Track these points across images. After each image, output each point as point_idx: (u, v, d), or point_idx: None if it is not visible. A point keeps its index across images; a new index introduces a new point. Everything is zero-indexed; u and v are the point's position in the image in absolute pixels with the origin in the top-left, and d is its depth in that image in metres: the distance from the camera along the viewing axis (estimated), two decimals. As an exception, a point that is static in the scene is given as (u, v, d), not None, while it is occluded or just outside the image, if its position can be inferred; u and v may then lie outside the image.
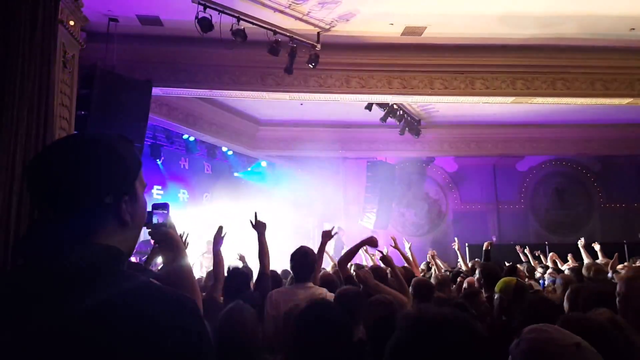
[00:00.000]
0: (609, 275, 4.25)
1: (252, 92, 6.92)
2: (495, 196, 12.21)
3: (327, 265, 5.48)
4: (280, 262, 5.74)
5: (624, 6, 5.47)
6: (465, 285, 3.77)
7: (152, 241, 1.68)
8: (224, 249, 3.20)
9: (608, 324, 1.54)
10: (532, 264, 6.58)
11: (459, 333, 0.98)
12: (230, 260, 4.05)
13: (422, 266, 6.15)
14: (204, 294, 3.03)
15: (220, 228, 3.19)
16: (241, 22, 5.36)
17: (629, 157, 11.41)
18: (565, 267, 5.93)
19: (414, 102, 8.55)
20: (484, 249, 5.51)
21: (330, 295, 2.67)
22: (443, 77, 6.91)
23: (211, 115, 8.99)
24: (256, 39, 5.51)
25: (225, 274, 3.16)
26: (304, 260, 2.92)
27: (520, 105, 7.80)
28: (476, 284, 3.47)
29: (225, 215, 9.83)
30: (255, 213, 3.21)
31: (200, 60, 6.41)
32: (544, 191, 12.41)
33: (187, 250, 1.58)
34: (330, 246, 9.02)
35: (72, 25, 4.47)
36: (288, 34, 5.77)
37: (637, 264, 5.51)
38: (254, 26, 5.51)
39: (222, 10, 5.17)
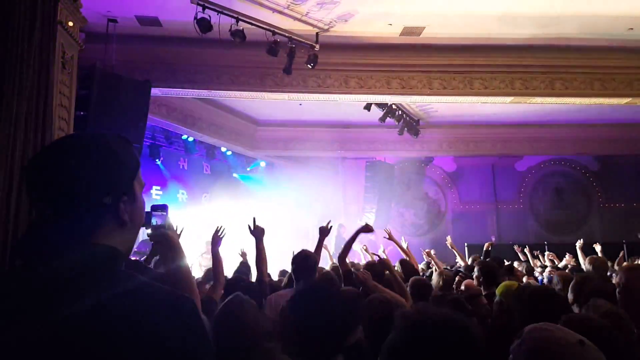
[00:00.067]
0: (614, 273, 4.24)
1: (251, 93, 6.92)
2: (494, 196, 12.22)
3: (326, 265, 5.48)
4: (279, 263, 5.75)
5: (622, 6, 5.48)
6: (462, 287, 3.75)
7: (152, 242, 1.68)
8: (224, 249, 3.20)
9: (609, 325, 1.55)
10: (531, 262, 6.60)
11: (456, 335, 0.98)
12: (230, 259, 4.05)
13: (422, 265, 6.16)
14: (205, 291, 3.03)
15: (218, 228, 3.19)
16: (240, 22, 5.36)
17: (628, 156, 11.42)
18: (563, 263, 5.94)
19: (413, 102, 8.55)
20: (484, 249, 5.53)
21: None
22: (442, 77, 6.92)
23: (210, 116, 8.99)
24: (255, 40, 5.52)
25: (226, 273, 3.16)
26: (305, 264, 2.92)
27: (519, 105, 7.81)
28: (475, 282, 3.47)
29: (224, 215, 9.84)
30: (254, 218, 3.20)
31: (199, 61, 6.42)
32: (543, 191, 12.42)
33: (186, 251, 1.58)
34: (331, 244, 9.03)
35: (71, 26, 4.46)
36: (287, 35, 5.77)
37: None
38: (253, 27, 5.51)
39: (221, 10, 5.18)
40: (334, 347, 1.48)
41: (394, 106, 8.49)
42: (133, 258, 6.02)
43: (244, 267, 4.36)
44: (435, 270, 5.19)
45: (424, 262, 6.40)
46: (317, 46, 5.96)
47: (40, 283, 0.77)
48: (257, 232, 3.12)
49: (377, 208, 10.82)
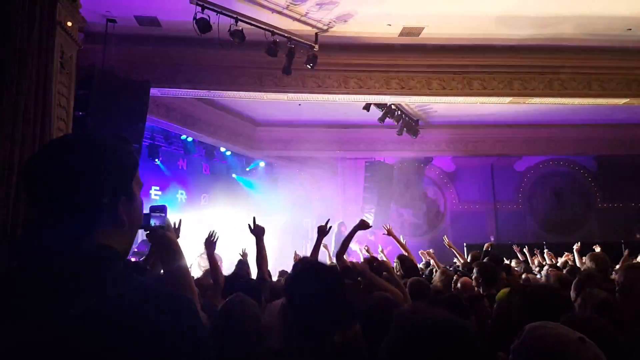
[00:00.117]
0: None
1: (250, 93, 6.92)
2: (493, 196, 12.23)
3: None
4: (279, 263, 5.75)
5: (621, 7, 5.49)
6: (459, 285, 3.75)
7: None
8: (225, 250, 3.20)
9: (609, 324, 1.55)
10: (529, 260, 6.61)
11: (452, 336, 0.99)
12: (231, 259, 4.05)
13: (421, 265, 6.16)
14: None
15: (211, 233, 3.19)
16: (239, 22, 5.36)
17: (627, 156, 11.44)
18: (562, 260, 5.94)
19: (412, 103, 8.56)
20: (484, 250, 5.54)
21: None
22: (441, 78, 6.92)
23: (209, 116, 8.99)
24: (254, 40, 5.52)
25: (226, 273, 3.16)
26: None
27: (518, 105, 7.82)
28: (474, 283, 3.47)
29: (223, 215, 9.83)
30: (254, 217, 3.20)
31: (198, 61, 6.42)
32: (541, 191, 12.44)
33: (185, 251, 1.59)
34: (331, 243, 9.01)
35: (70, 26, 4.45)
36: (286, 35, 5.77)
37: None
38: (252, 27, 5.51)
39: (220, 11, 5.18)
40: (334, 322, 1.48)
41: (393, 106, 8.49)
42: (132, 259, 6.02)
43: (243, 265, 4.36)
44: (435, 270, 5.19)
45: (422, 262, 6.41)
46: (317, 46, 5.97)
47: (38, 283, 0.77)
48: (258, 231, 3.12)
49: (376, 208, 10.83)
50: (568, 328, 1.15)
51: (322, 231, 3.46)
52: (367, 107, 8.14)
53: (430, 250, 5.86)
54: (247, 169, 11.42)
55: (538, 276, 5.16)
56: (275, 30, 5.68)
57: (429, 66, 6.84)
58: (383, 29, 6.05)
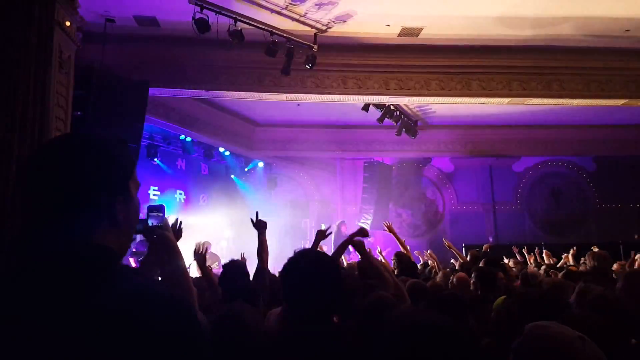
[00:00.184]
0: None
1: (249, 93, 6.91)
2: (492, 197, 12.25)
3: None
4: (278, 263, 5.73)
5: (619, 8, 5.51)
6: (454, 280, 3.76)
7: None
8: (224, 250, 3.21)
9: (609, 324, 1.56)
10: (527, 258, 6.63)
11: (447, 340, 1.01)
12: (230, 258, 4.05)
13: (418, 266, 6.16)
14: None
15: (197, 248, 3.23)
16: (238, 23, 5.36)
17: (625, 157, 11.47)
18: (563, 260, 5.94)
19: (411, 103, 8.57)
20: (482, 251, 5.54)
21: None
22: (439, 78, 6.93)
23: (208, 116, 8.98)
24: (253, 40, 5.52)
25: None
26: None
27: (516, 106, 7.84)
28: (472, 287, 3.47)
29: (222, 215, 9.83)
30: (257, 212, 3.26)
31: (197, 61, 6.41)
32: (539, 192, 12.46)
33: (183, 251, 1.58)
34: (330, 241, 8.98)
35: (68, 26, 4.44)
36: (285, 35, 5.77)
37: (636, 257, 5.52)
38: (251, 27, 5.51)
39: (219, 11, 5.17)
40: (329, 306, 1.49)
41: (392, 107, 8.50)
42: (131, 259, 6.01)
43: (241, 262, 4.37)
44: (434, 271, 5.19)
45: (420, 263, 6.42)
46: (316, 47, 5.96)
47: (35, 284, 0.76)
48: (260, 226, 3.17)
49: (375, 208, 10.83)
50: (566, 327, 1.16)
51: (322, 235, 3.45)
52: (366, 107, 8.15)
53: (429, 252, 5.85)
54: (246, 169, 11.42)
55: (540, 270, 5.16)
56: (274, 31, 5.68)
57: (427, 67, 6.85)
58: (382, 29, 6.05)
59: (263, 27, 5.59)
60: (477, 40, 6.38)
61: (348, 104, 7.89)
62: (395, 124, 8.90)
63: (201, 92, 6.90)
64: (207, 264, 3.97)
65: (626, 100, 7.25)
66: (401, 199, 12.20)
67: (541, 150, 11.19)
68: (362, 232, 3.10)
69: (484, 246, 5.87)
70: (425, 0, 5.33)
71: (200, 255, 3.29)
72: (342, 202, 11.79)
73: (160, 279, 1.58)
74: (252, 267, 3.23)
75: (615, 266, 4.92)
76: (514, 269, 5.55)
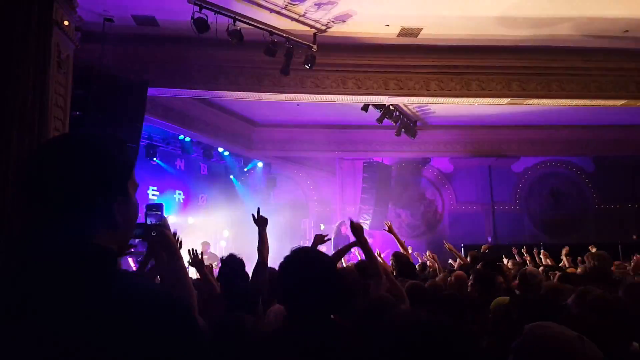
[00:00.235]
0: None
1: (248, 93, 6.91)
2: (491, 197, 12.26)
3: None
4: (276, 264, 5.73)
5: (618, 9, 5.51)
6: (452, 279, 3.78)
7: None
8: (223, 249, 3.21)
9: (608, 324, 1.56)
10: (527, 261, 6.62)
11: (445, 342, 1.01)
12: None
13: (417, 266, 6.16)
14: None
15: (194, 253, 3.23)
16: (237, 22, 5.35)
17: (623, 158, 11.49)
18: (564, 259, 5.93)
19: (410, 103, 8.57)
20: (481, 252, 5.54)
21: None
22: (439, 78, 6.93)
23: (207, 116, 8.98)
24: (252, 40, 5.51)
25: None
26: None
27: (516, 106, 7.85)
28: (469, 289, 3.47)
29: (221, 215, 9.82)
30: (258, 208, 3.26)
31: (196, 61, 6.40)
32: (539, 192, 12.47)
33: (182, 251, 1.58)
34: (330, 241, 8.95)
35: (66, 25, 4.43)
36: (284, 35, 5.77)
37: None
38: (250, 27, 5.50)
39: (218, 10, 5.17)
40: (327, 303, 1.49)
41: (391, 107, 8.50)
42: (130, 259, 6.00)
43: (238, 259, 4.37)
44: (431, 268, 5.19)
45: (419, 264, 6.41)
46: (315, 47, 5.96)
47: (33, 284, 0.76)
48: (261, 222, 3.17)
49: (374, 209, 10.83)
50: (564, 327, 1.17)
51: (319, 240, 3.43)
52: (365, 107, 8.15)
53: (428, 253, 5.84)
54: (245, 170, 11.41)
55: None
56: (273, 31, 5.67)
57: (427, 67, 6.85)
58: (381, 29, 6.05)
59: (262, 26, 5.58)
60: (476, 41, 6.39)
61: (347, 104, 7.89)
62: (394, 124, 8.90)
63: (200, 92, 6.89)
64: (207, 263, 3.96)
65: (625, 101, 7.26)
66: (400, 199, 12.21)
67: (540, 151, 11.21)
68: (357, 227, 3.02)
69: (482, 247, 5.87)
70: (425, 0, 5.34)
71: (198, 261, 3.26)
72: (342, 202, 11.79)
73: (159, 279, 1.57)
74: (250, 267, 3.22)
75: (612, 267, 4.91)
76: (512, 271, 5.55)
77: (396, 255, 4.30)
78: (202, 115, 8.84)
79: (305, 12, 5.61)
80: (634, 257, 5.31)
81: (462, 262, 5.39)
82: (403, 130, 9.14)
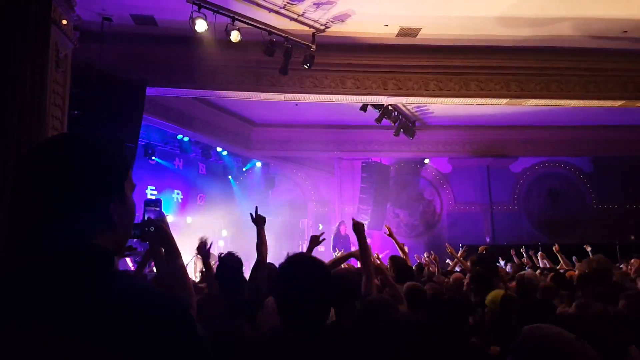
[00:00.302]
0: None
1: (247, 93, 6.90)
2: (489, 197, 12.28)
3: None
4: (276, 263, 5.72)
5: (617, 9, 5.52)
6: (450, 280, 3.81)
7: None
8: (222, 249, 3.20)
9: (606, 325, 1.57)
10: (525, 262, 6.63)
11: (442, 345, 1.02)
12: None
13: (414, 268, 6.16)
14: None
15: (204, 239, 3.21)
16: (236, 22, 5.34)
17: (622, 158, 11.52)
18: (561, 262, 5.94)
19: (409, 103, 8.57)
20: (478, 253, 5.54)
21: None
22: (438, 79, 6.93)
23: (206, 116, 8.96)
24: (251, 40, 5.50)
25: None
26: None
27: (514, 106, 7.85)
28: (465, 288, 3.48)
29: (220, 215, 9.81)
30: (256, 207, 3.25)
31: (195, 60, 6.38)
32: (537, 192, 12.49)
33: (181, 251, 1.57)
34: (329, 241, 8.95)
35: (65, 25, 4.42)
36: (283, 35, 5.76)
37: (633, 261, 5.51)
38: (249, 26, 5.49)
39: (217, 10, 5.16)
40: (321, 307, 1.50)
41: (390, 107, 8.51)
42: (128, 259, 5.98)
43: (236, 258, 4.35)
44: (429, 266, 5.19)
45: (415, 265, 6.40)
46: (314, 46, 5.95)
47: (31, 284, 0.75)
48: (259, 221, 3.16)
49: (373, 209, 10.84)
50: (561, 328, 1.18)
51: (315, 242, 3.42)
52: (364, 107, 8.15)
53: (430, 255, 5.84)
54: (244, 169, 11.41)
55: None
56: (272, 30, 5.66)
57: (426, 67, 6.85)
58: (380, 29, 6.05)
59: (261, 26, 5.58)
60: (475, 41, 6.39)
61: (346, 104, 7.89)
62: (393, 124, 8.90)
63: (199, 91, 6.88)
64: (201, 265, 3.95)
65: (624, 102, 7.27)
66: (399, 199, 12.22)
67: (539, 151, 11.23)
68: (357, 225, 3.01)
69: (480, 248, 5.86)
70: (424, 0, 5.34)
71: (206, 251, 3.21)
72: (340, 202, 11.79)
73: (159, 280, 1.57)
74: (249, 267, 3.22)
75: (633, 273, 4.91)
76: (509, 272, 5.56)
77: (393, 259, 4.26)
78: (201, 115, 8.83)
79: (304, 11, 5.60)
80: (632, 262, 5.33)
81: (462, 266, 5.40)
82: (402, 130, 9.15)
